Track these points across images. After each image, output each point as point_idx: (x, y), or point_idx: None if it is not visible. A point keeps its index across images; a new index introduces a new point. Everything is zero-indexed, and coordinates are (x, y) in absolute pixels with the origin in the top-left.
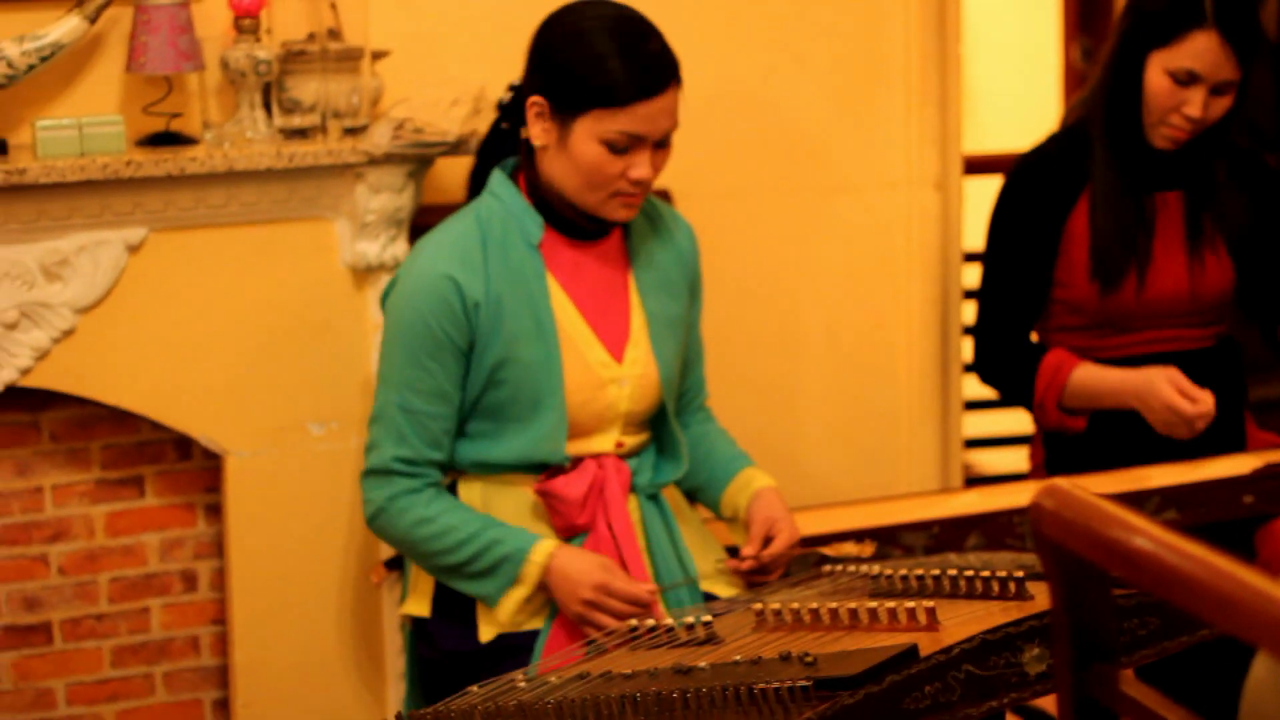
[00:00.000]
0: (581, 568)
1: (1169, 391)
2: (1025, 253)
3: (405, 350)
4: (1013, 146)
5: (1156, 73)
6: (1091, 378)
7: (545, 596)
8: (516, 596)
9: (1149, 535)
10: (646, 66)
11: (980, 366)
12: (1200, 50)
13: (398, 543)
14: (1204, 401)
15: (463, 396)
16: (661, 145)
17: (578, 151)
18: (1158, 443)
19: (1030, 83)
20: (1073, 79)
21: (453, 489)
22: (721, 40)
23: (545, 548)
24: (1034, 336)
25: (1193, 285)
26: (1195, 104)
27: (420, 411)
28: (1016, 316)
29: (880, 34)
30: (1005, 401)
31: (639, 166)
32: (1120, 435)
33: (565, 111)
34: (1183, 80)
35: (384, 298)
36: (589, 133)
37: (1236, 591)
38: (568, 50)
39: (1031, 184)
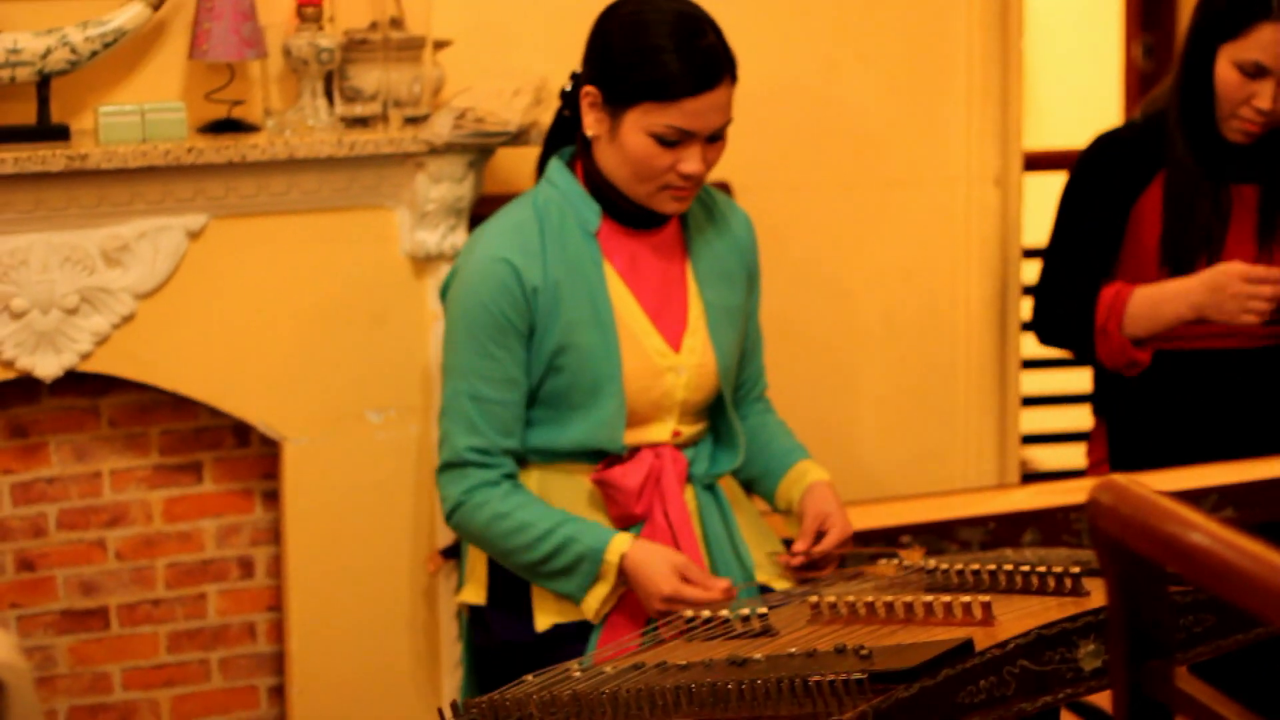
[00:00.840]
0: (651, 575)
1: (1240, 265)
2: (1094, 224)
3: (470, 338)
4: (1074, 144)
5: (1226, 66)
6: (1154, 288)
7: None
8: (600, 594)
9: (1206, 531)
10: (698, 62)
11: (1038, 320)
12: (1267, 42)
13: (477, 539)
14: (1277, 270)
15: (528, 382)
16: (714, 139)
17: (627, 143)
18: (1217, 439)
19: (1092, 80)
20: (1134, 77)
21: None
22: (784, 34)
23: (619, 545)
24: None
25: None
26: (1265, 96)
27: (490, 399)
28: (1080, 276)
29: (942, 30)
30: (1067, 347)
31: (689, 161)
32: (1180, 430)
33: (616, 102)
34: (1251, 73)
35: (444, 290)
36: (638, 125)
37: None
38: (622, 41)
39: (1106, 161)
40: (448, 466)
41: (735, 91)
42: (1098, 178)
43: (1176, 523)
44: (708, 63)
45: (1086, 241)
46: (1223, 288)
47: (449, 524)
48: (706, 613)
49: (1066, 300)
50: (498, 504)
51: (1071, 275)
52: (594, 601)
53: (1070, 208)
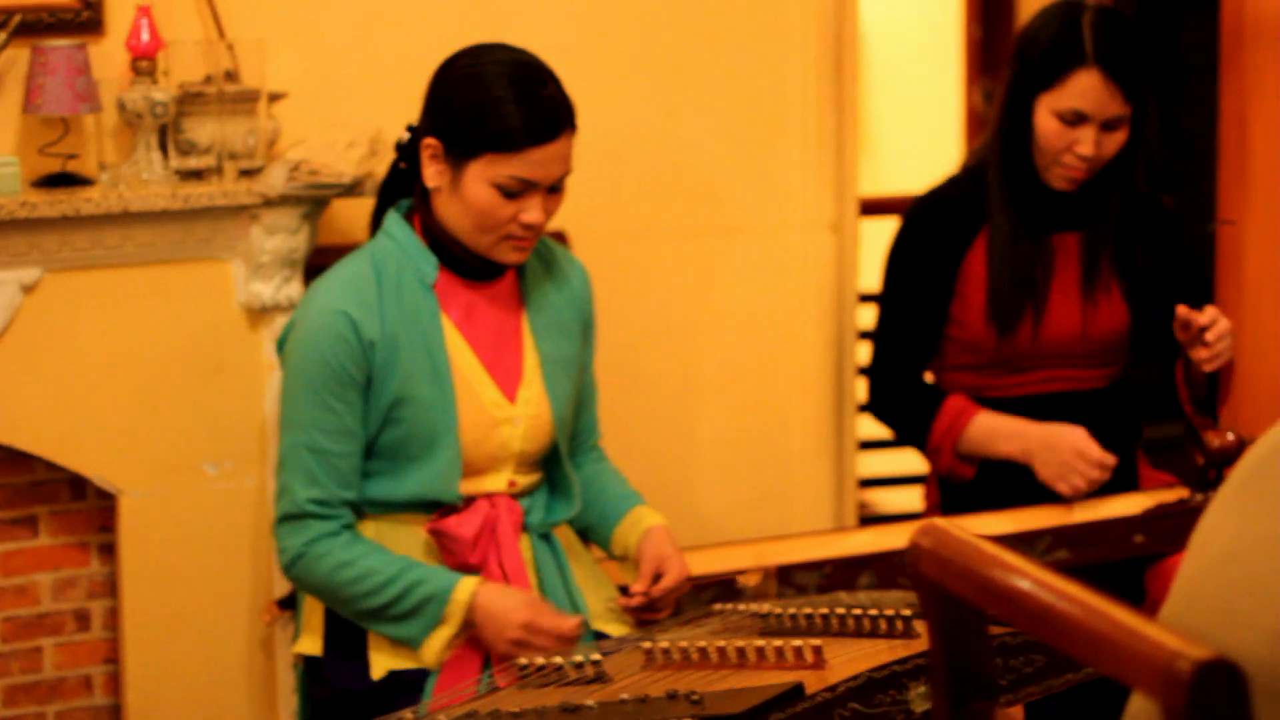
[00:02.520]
0: (507, 605)
1: (1079, 440)
2: (921, 291)
3: (308, 390)
4: (913, 189)
5: (1045, 115)
6: (994, 421)
7: (470, 634)
8: (442, 636)
9: (1025, 575)
10: (540, 113)
11: (875, 405)
12: (1084, 89)
13: (318, 589)
14: (1109, 457)
15: (365, 433)
16: (554, 190)
17: (470, 194)
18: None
19: (933, 125)
20: (974, 122)
21: None
22: (621, 82)
23: (468, 586)
24: (928, 376)
25: (1086, 326)
26: (1087, 143)
27: (329, 451)
28: (912, 355)
29: (779, 78)
30: (899, 439)
31: (530, 211)
32: (1012, 472)
33: (458, 154)
34: (1071, 120)
35: (280, 342)
36: (481, 176)
37: (1110, 631)
38: (463, 94)
39: (929, 223)
40: (287, 518)
41: (574, 140)
42: (920, 244)
43: (996, 566)
44: (549, 113)
45: (915, 314)
46: (1055, 450)
47: (288, 575)
48: (540, 660)
49: (903, 396)
50: (340, 553)
51: (904, 359)
52: (436, 644)
53: (896, 277)
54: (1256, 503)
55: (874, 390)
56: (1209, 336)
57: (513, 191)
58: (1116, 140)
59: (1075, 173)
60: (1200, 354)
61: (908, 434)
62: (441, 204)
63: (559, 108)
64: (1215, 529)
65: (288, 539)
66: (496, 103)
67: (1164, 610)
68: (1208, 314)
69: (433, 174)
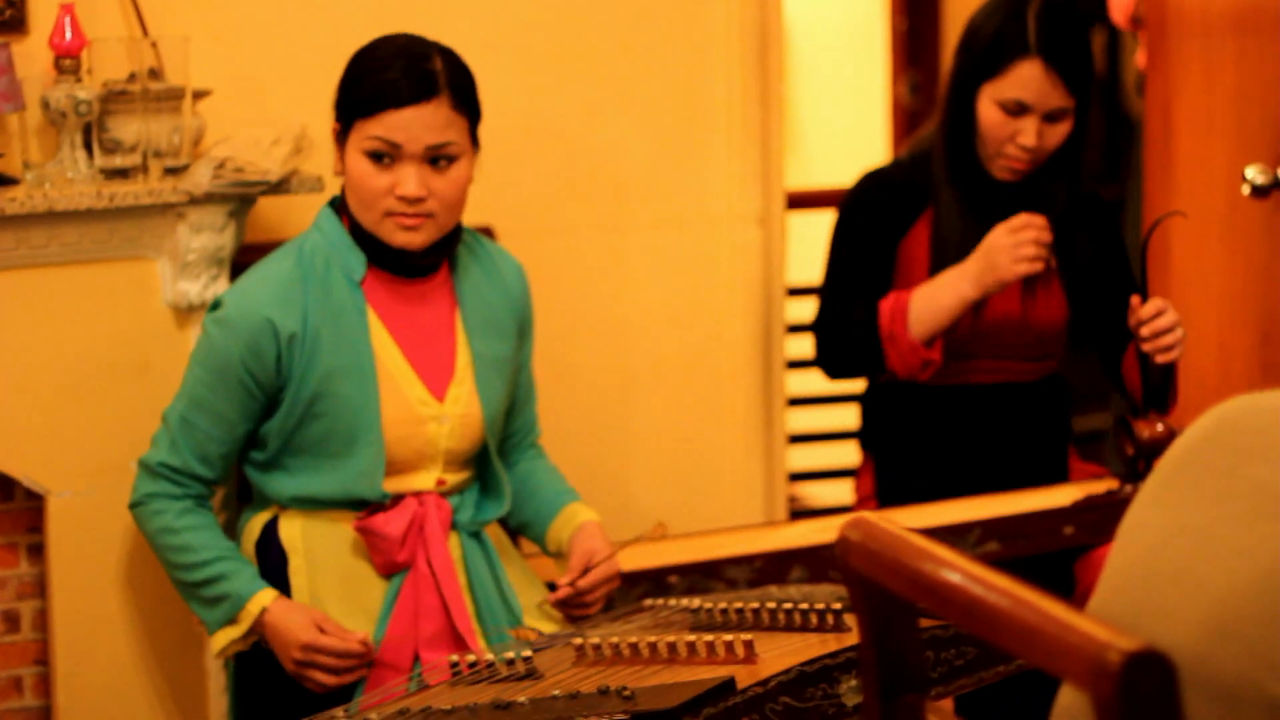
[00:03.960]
0: (290, 627)
1: (1003, 224)
2: (864, 258)
3: (205, 371)
4: (840, 182)
5: (988, 105)
6: (930, 281)
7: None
8: (230, 635)
9: (954, 567)
10: (404, 77)
11: (823, 353)
12: (1027, 79)
13: (148, 539)
14: (1034, 216)
15: (250, 429)
16: (438, 163)
17: (350, 168)
18: (983, 473)
19: (858, 118)
20: (900, 114)
21: (274, 524)
22: (545, 78)
23: (261, 600)
24: None
25: (1025, 315)
26: (1029, 133)
27: (199, 428)
28: (855, 303)
29: (703, 72)
30: (857, 370)
31: (405, 182)
32: (946, 465)
33: (343, 130)
34: (1013, 110)
35: (212, 306)
36: (355, 146)
37: (1040, 623)
38: (348, 69)
39: (873, 197)
40: (143, 466)
41: (496, 135)
42: (865, 215)
43: (924, 559)
44: (418, 77)
45: (858, 274)
46: (990, 251)
47: (130, 511)
48: (472, 657)
49: (847, 326)
50: (171, 519)
51: (847, 304)
52: (222, 639)
53: (840, 244)
54: (1184, 494)
55: (820, 339)
56: (1143, 331)
57: (380, 155)
58: (1059, 132)
59: (1018, 164)
60: (1144, 346)
61: (859, 355)
62: (345, 189)
63: (426, 74)
64: (1142, 521)
65: (138, 480)
66: (372, 68)
67: (1092, 602)
68: (1149, 307)
69: (335, 160)
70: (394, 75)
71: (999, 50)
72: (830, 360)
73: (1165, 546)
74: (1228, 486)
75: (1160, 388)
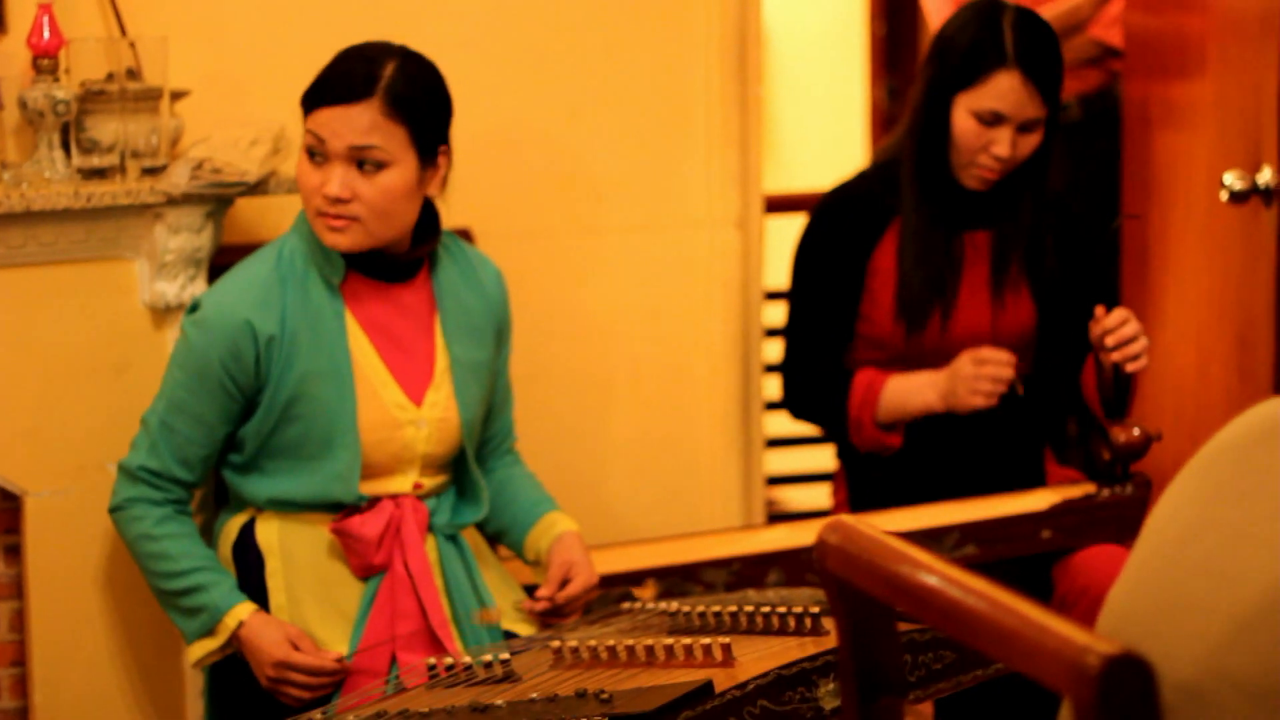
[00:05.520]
0: (263, 644)
1: (970, 352)
2: (831, 286)
3: (185, 374)
4: (818, 186)
5: (963, 115)
6: (904, 379)
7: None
8: (207, 646)
9: (932, 570)
10: (337, 74)
11: (790, 400)
12: (1004, 90)
13: (127, 545)
14: (1001, 352)
15: (229, 431)
16: (364, 166)
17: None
18: (958, 477)
19: (837, 122)
20: (878, 119)
21: (251, 526)
22: (524, 80)
23: (239, 613)
24: None
25: (994, 325)
26: (1003, 143)
27: (179, 431)
28: (823, 349)
29: (681, 75)
30: (822, 428)
31: (330, 182)
32: (920, 469)
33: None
34: (989, 121)
35: (190, 308)
36: (301, 143)
37: (1018, 627)
38: None
39: (837, 218)
40: (123, 470)
41: (475, 138)
42: (829, 239)
43: (902, 562)
44: (351, 77)
45: (825, 309)
46: (956, 375)
47: (109, 515)
48: (449, 659)
49: (816, 383)
50: (150, 525)
51: (815, 352)
52: (199, 650)
53: (805, 273)
54: (1217, 489)
55: (788, 387)
56: (1108, 340)
57: (312, 152)
58: (1031, 143)
59: (989, 173)
60: (1112, 356)
61: (826, 421)
62: None
63: (362, 76)
64: (1172, 514)
65: (118, 484)
66: (321, 70)
67: (1114, 591)
68: (1114, 316)
69: None
70: (332, 74)
71: (975, 61)
72: (795, 409)
73: (1195, 539)
74: (1262, 484)
75: (1119, 398)
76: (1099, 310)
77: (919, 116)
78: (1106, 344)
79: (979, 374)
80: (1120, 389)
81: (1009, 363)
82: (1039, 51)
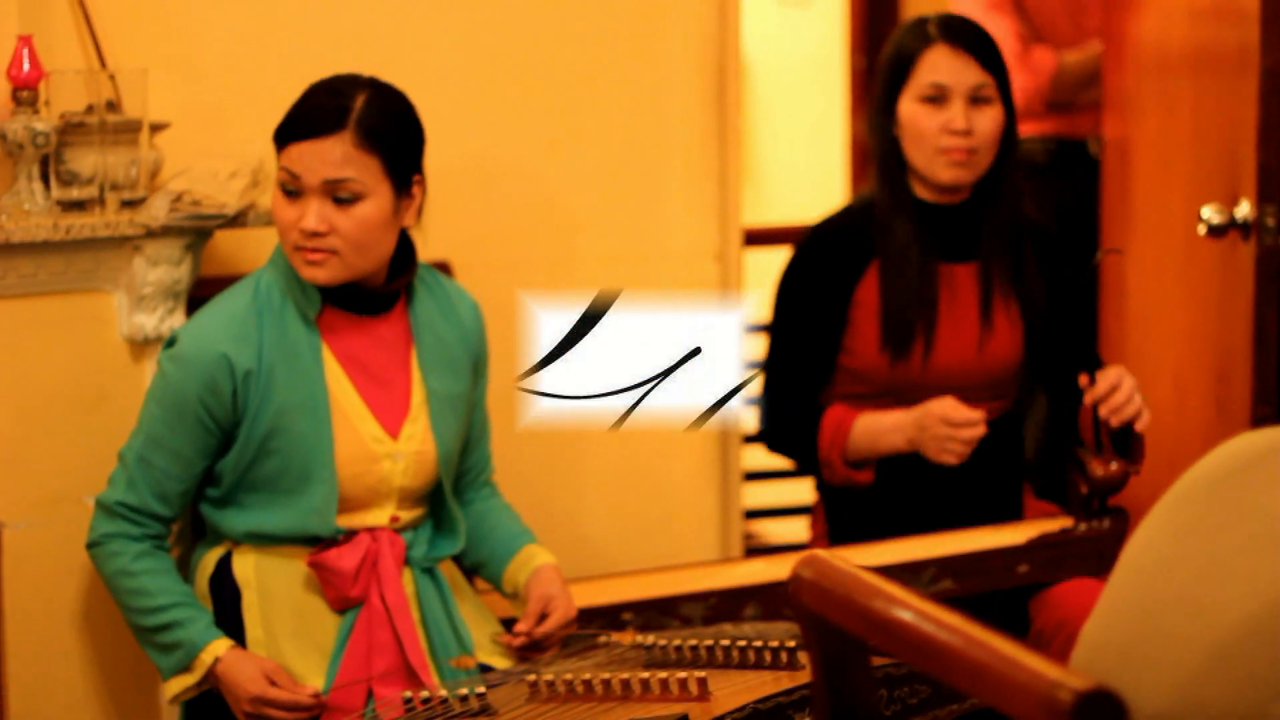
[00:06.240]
0: (240, 679)
1: (942, 406)
2: (812, 322)
3: (162, 409)
4: (798, 219)
5: (910, 107)
6: (873, 419)
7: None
8: (183, 682)
9: (906, 605)
10: (307, 109)
11: (767, 434)
12: (935, 63)
13: (105, 580)
14: (977, 414)
15: (207, 465)
16: (341, 201)
17: (271, 201)
18: (935, 510)
19: (817, 155)
20: (858, 151)
21: (228, 559)
22: (502, 112)
23: (215, 649)
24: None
25: (980, 357)
26: (958, 115)
27: (157, 466)
28: (802, 385)
29: (662, 108)
30: (796, 464)
31: (306, 216)
32: (897, 504)
33: None
34: (934, 97)
35: (168, 343)
36: (275, 179)
37: (991, 661)
38: None
39: (820, 252)
40: (101, 506)
41: (453, 170)
42: (812, 273)
43: (876, 597)
44: (322, 111)
45: (805, 344)
46: (927, 428)
47: (87, 551)
48: (425, 693)
49: (789, 418)
50: (128, 561)
51: (792, 387)
52: (175, 687)
53: (786, 307)
54: (1192, 522)
55: (765, 420)
56: (1102, 411)
57: (287, 189)
58: (988, 117)
59: (958, 154)
60: (1111, 421)
61: (800, 457)
62: None
63: (333, 109)
64: (1147, 546)
65: (96, 520)
66: (293, 105)
67: (1089, 624)
68: (1102, 384)
69: None
70: (302, 109)
71: (904, 56)
72: (771, 444)
73: (1170, 572)
74: (1238, 516)
75: (1127, 449)
76: (1083, 380)
77: (877, 139)
78: (1100, 414)
79: (949, 434)
80: (1126, 440)
81: (979, 421)
82: (961, 25)
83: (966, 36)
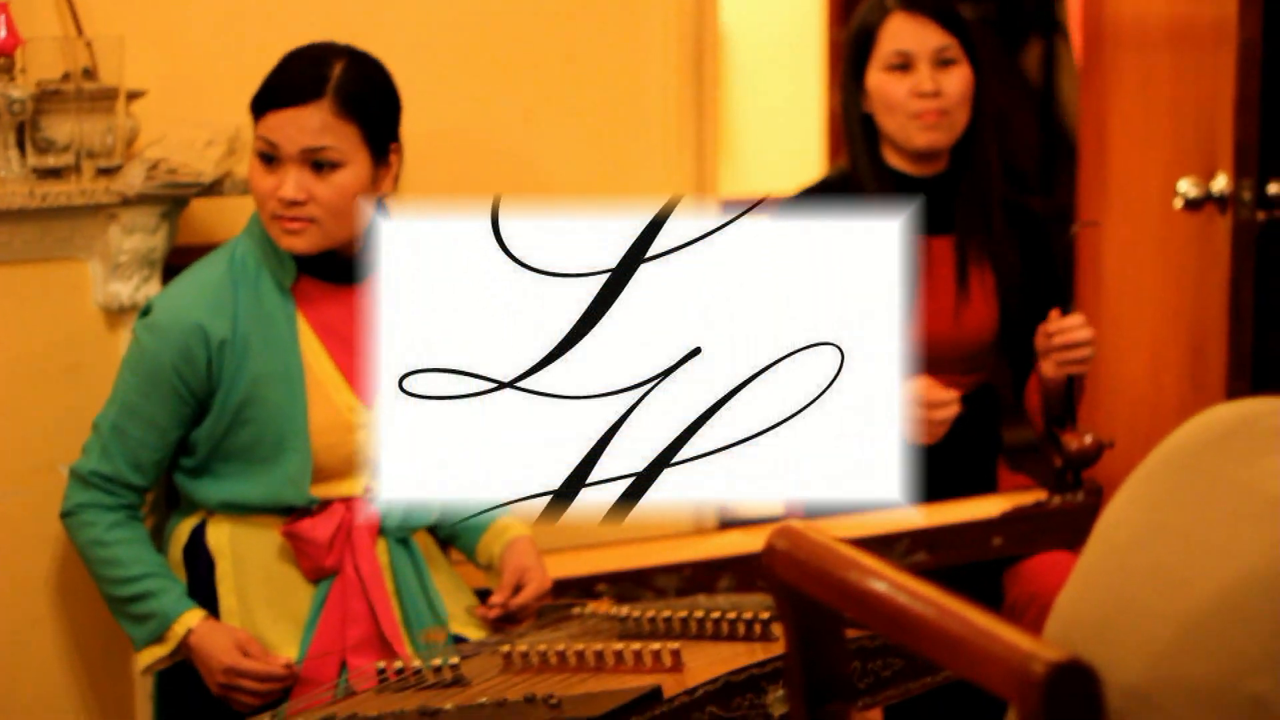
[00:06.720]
0: (212, 650)
1: (921, 387)
2: None
3: (137, 378)
4: (775, 190)
5: (877, 77)
6: None
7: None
8: (156, 653)
9: (880, 577)
10: (285, 78)
11: None
12: (895, 31)
13: (78, 550)
14: (951, 394)
15: (182, 434)
16: (320, 168)
17: (248, 170)
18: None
19: (794, 127)
20: (836, 125)
21: (202, 529)
22: (477, 84)
23: (187, 621)
24: None
25: (956, 330)
26: (923, 78)
27: (131, 436)
28: None
29: (639, 80)
30: None
31: (285, 185)
32: None
33: None
34: (899, 65)
35: (143, 312)
36: (253, 148)
37: (965, 633)
38: None
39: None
40: (75, 475)
41: (429, 142)
42: None
43: (850, 568)
44: (300, 79)
45: None
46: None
47: (61, 521)
48: (399, 663)
49: None
50: (101, 531)
51: None
52: (148, 657)
53: None
54: (1166, 494)
55: None
56: (1056, 339)
57: (265, 156)
58: (957, 77)
59: (930, 115)
60: (1054, 357)
61: None
62: None
63: (310, 77)
64: (1121, 519)
65: (70, 489)
66: (269, 74)
67: (1061, 596)
68: (1071, 318)
69: None
70: (280, 78)
71: (866, 30)
72: None
73: (1144, 544)
74: (1211, 488)
75: (1064, 407)
76: (1054, 313)
77: (848, 115)
78: (1054, 341)
79: (927, 417)
80: (1063, 398)
81: (953, 401)
82: None
83: (923, 2)
